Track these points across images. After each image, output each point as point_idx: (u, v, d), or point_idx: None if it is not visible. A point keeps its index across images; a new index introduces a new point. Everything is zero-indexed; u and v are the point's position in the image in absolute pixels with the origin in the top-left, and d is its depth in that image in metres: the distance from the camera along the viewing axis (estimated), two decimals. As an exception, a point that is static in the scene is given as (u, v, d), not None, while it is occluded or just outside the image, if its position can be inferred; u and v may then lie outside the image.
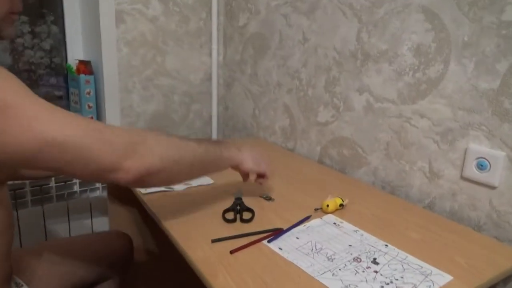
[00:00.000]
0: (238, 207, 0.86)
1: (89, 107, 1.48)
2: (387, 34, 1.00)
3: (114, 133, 0.59)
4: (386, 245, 0.73)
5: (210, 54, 1.69)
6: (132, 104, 1.56)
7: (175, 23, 1.58)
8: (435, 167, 0.93)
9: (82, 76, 1.44)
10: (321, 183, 1.05)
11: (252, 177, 0.90)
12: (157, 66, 1.58)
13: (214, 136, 1.75)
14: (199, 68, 1.68)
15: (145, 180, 0.62)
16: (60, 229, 1.45)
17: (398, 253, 0.71)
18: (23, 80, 0.62)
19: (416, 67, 0.94)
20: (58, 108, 0.56)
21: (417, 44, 0.93)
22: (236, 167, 0.85)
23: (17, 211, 1.34)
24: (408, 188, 1.00)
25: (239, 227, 0.79)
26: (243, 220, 0.82)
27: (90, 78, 1.46)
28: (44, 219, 1.40)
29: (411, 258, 0.70)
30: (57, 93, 1.68)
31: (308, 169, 1.17)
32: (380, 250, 0.72)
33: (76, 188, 1.42)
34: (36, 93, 0.56)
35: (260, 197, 0.94)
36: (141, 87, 1.56)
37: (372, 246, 0.73)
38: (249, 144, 0.91)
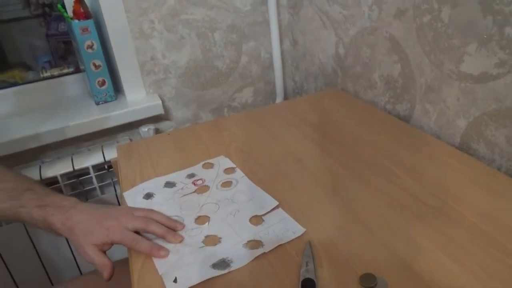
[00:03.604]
0: None
1: (96, 67, 1.03)
2: None
3: None
4: None
5: (264, -40, 1.09)
6: (155, 55, 1.07)
7: None
8: None
9: (75, 22, 0.97)
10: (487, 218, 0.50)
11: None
12: (183, -8, 1.04)
13: (280, 86, 1.21)
14: (248, -15, 1.10)
15: None
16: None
17: None
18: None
19: None
20: None
21: None
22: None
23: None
24: None
25: None
26: None
27: (88, 24, 0.99)
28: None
29: None
30: (69, 47, 1.25)
31: (442, 165, 0.61)
32: None
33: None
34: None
35: (362, 285, 0.44)
36: (163, 28, 1.05)
37: None
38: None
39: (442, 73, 0.70)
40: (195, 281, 0.46)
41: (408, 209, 0.54)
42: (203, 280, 0.46)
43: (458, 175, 0.60)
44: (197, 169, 0.70)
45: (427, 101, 0.75)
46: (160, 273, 0.48)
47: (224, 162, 0.71)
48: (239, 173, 0.68)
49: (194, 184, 0.66)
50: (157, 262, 0.50)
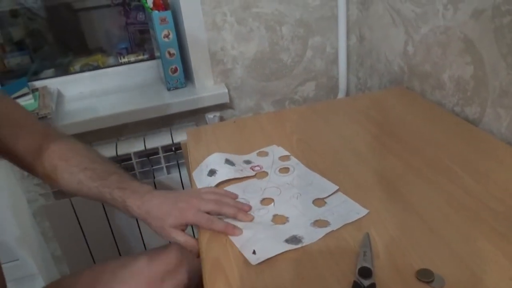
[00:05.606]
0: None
1: (171, 55, 1.10)
2: None
3: None
4: None
5: (336, -45, 1.10)
6: (225, 46, 1.12)
7: None
8: None
9: (155, 13, 1.05)
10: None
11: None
12: (255, -14, 1.08)
13: (343, 81, 1.21)
14: (319, -20, 1.12)
15: None
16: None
17: None
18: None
19: None
20: None
21: None
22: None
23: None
24: None
25: None
26: None
27: (166, 14, 1.06)
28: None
29: None
30: (145, 35, 1.34)
31: (511, 171, 0.60)
32: None
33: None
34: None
35: (418, 279, 0.45)
36: (234, 20, 1.10)
37: None
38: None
39: (518, 76, 0.67)
40: (272, 254, 0.50)
41: (471, 211, 0.54)
42: (279, 253, 0.50)
43: (528, 182, 0.58)
44: (252, 156, 0.73)
45: (499, 105, 0.72)
46: (238, 247, 0.52)
47: (278, 150, 0.74)
48: (294, 160, 0.70)
49: (252, 170, 0.69)
50: (234, 237, 0.54)
